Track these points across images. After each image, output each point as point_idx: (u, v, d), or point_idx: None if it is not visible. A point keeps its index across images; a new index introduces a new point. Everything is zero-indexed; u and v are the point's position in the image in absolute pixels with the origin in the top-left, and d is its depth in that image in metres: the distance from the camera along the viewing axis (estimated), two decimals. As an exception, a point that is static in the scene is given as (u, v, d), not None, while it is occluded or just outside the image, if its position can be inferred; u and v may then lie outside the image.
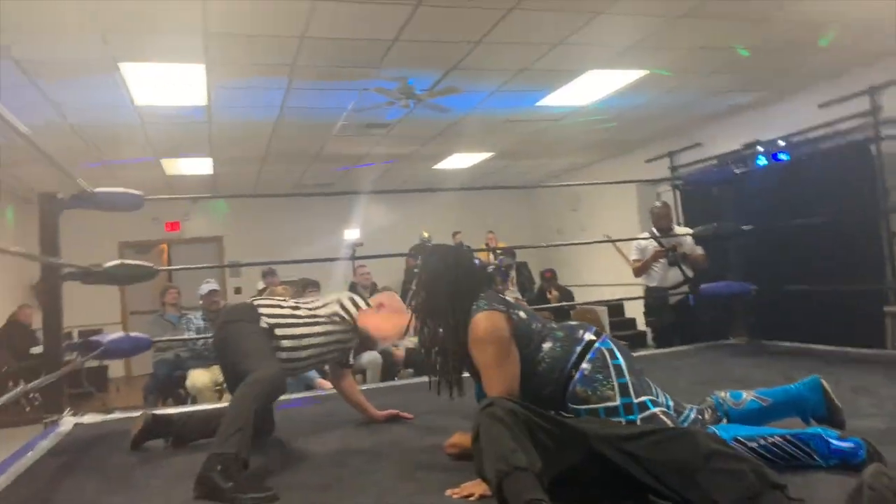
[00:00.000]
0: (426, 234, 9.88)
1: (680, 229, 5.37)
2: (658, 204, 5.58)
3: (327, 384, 5.12)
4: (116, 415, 3.50)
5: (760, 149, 6.68)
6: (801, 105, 6.45)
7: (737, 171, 4.72)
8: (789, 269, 5.61)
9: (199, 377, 5.11)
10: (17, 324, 7.44)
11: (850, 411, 2.39)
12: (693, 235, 4.89)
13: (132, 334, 3.52)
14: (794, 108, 6.57)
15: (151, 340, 3.56)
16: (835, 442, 1.89)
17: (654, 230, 5.28)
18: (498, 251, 9.21)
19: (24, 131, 2.44)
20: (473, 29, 4.42)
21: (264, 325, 2.60)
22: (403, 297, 7.99)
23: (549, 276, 8.05)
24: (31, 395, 6.96)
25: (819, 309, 5.23)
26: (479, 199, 11.04)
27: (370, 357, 5.52)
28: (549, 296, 7.45)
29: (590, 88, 5.98)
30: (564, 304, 7.11)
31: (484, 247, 10.09)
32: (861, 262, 5.68)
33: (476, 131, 7.30)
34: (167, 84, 5.01)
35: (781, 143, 6.52)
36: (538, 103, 6.33)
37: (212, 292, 5.37)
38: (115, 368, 8.95)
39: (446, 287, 2.23)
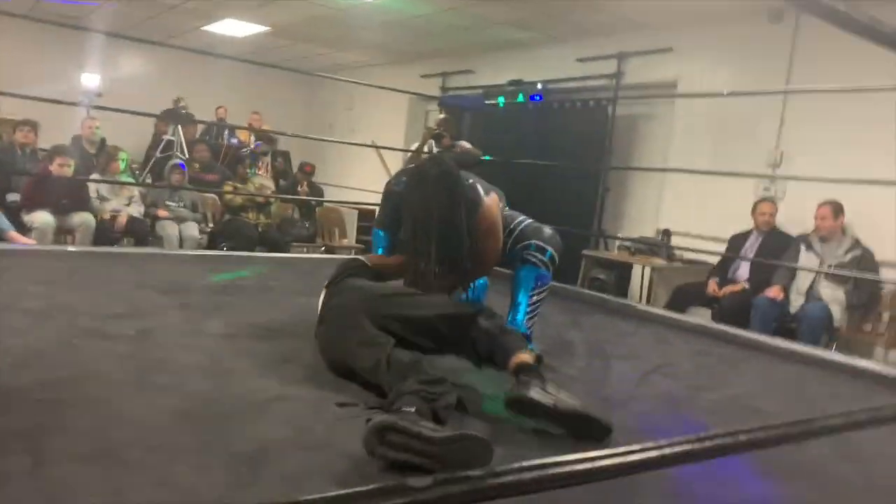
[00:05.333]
0: (182, 103, 9.10)
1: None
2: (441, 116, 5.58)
3: (22, 238, 4.61)
4: None
5: (519, 88, 7.12)
6: (565, 54, 6.91)
7: (487, 102, 4.91)
8: (512, 203, 6.09)
9: None
10: None
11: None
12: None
13: None
14: (558, 56, 7.01)
15: None
16: None
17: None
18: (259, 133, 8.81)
19: None
20: None
21: None
22: (146, 163, 7.23)
23: (308, 171, 7.92)
24: None
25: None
26: (251, 77, 10.36)
27: (83, 218, 5.02)
28: (299, 189, 7.34)
29: (372, -17, 5.81)
30: (313, 199, 7.07)
31: (246, 126, 9.61)
32: (577, 209, 6.39)
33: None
34: None
35: (539, 86, 6.99)
36: (320, -16, 6.01)
37: None
38: None
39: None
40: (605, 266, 5.85)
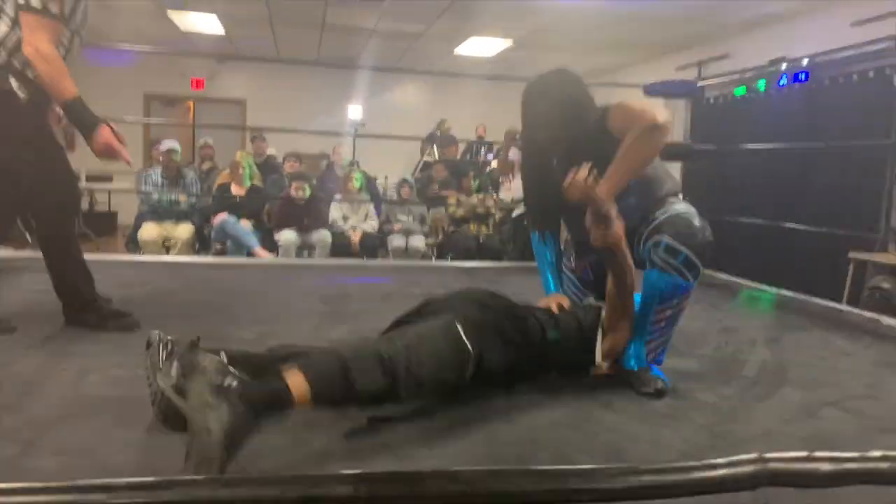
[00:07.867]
0: (446, 125, 9.62)
1: None
2: None
3: (263, 253, 5.21)
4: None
5: (783, 66, 6.09)
6: (834, 22, 5.75)
7: (700, 84, 4.28)
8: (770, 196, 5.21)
9: (147, 231, 5.25)
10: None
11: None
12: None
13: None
14: (825, 25, 5.87)
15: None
16: None
17: None
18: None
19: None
20: None
21: None
22: (422, 188, 7.57)
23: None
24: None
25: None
26: (505, 93, 10.55)
27: (321, 235, 5.53)
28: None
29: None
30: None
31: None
32: (854, 204, 5.22)
33: (484, 12, 6.88)
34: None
35: (805, 61, 5.89)
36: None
37: (170, 151, 5.43)
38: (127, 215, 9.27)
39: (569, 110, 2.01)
40: (891, 273, 4.64)
